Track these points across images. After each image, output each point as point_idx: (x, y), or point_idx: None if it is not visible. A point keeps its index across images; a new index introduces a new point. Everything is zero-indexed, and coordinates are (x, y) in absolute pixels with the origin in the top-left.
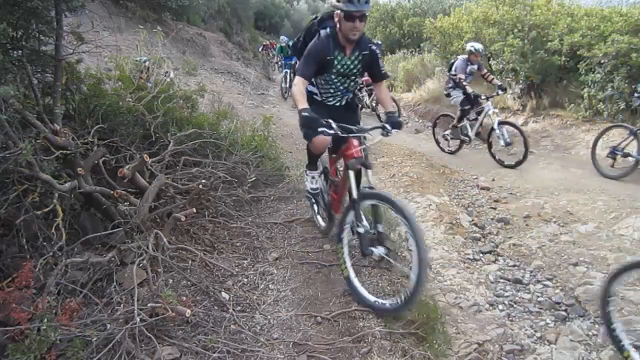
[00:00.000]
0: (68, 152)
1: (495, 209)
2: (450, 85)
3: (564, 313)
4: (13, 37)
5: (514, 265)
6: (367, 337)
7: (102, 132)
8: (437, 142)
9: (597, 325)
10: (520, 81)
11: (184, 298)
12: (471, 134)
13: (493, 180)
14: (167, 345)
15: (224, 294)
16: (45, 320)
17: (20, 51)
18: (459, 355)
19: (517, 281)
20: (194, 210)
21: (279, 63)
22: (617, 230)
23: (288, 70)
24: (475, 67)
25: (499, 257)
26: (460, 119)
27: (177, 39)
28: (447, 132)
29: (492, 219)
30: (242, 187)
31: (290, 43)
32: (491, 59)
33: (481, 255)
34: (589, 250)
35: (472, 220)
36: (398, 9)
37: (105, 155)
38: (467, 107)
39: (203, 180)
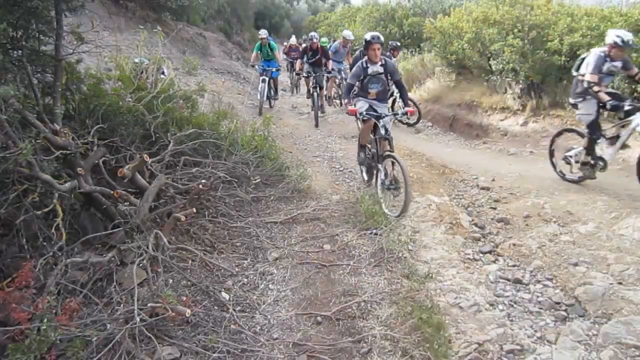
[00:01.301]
0: (68, 152)
1: (495, 209)
2: (578, 90)
3: (564, 313)
4: (13, 37)
5: (514, 265)
6: (367, 338)
7: (102, 132)
8: (554, 165)
9: (597, 325)
10: (520, 81)
11: (184, 298)
12: (608, 155)
13: (493, 180)
14: (167, 345)
15: (224, 294)
16: (45, 320)
17: (20, 51)
18: (459, 355)
19: (517, 281)
20: (194, 210)
21: (256, 66)
22: (617, 230)
23: (267, 79)
24: (619, 64)
25: (499, 257)
26: (589, 147)
27: (177, 39)
28: (572, 152)
29: (492, 219)
30: (243, 188)
31: (273, 40)
32: (491, 59)
33: (481, 255)
34: (589, 250)
35: (472, 220)
36: (398, 9)
37: (105, 155)
38: (596, 137)
39: (203, 180)
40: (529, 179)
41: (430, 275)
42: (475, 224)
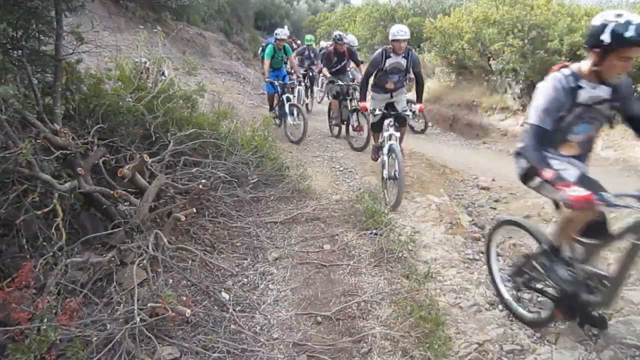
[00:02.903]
0: (68, 152)
1: (495, 209)
2: None
3: None
4: (13, 37)
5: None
6: (367, 338)
7: (102, 132)
8: None
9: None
10: (520, 81)
11: (184, 298)
12: None
13: (493, 180)
14: (167, 345)
15: (224, 294)
16: (45, 320)
17: (20, 51)
18: (459, 355)
19: None
20: (194, 210)
21: (276, 83)
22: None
23: (291, 96)
24: None
25: (499, 257)
26: None
27: (177, 39)
28: None
29: (492, 219)
30: (242, 188)
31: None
32: (491, 59)
33: (481, 255)
34: None
35: (472, 220)
36: (398, 9)
37: (105, 155)
38: None
39: (203, 180)
40: None
41: (430, 275)
42: (475, 224)
